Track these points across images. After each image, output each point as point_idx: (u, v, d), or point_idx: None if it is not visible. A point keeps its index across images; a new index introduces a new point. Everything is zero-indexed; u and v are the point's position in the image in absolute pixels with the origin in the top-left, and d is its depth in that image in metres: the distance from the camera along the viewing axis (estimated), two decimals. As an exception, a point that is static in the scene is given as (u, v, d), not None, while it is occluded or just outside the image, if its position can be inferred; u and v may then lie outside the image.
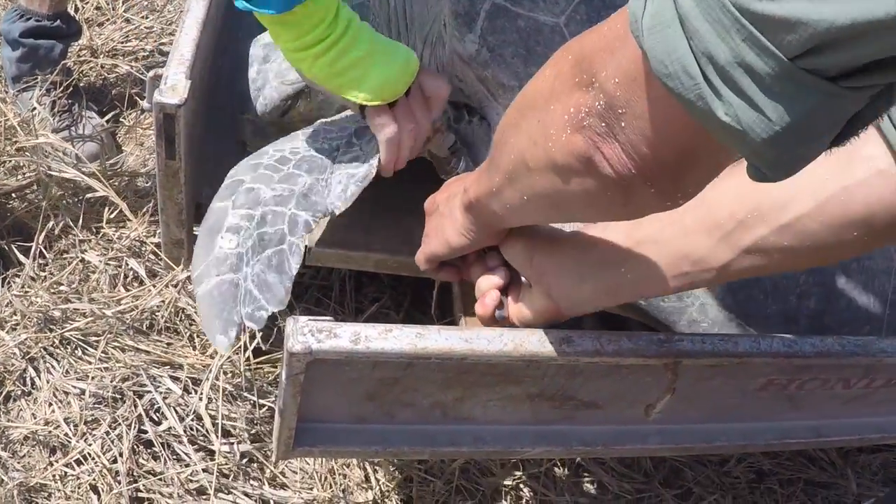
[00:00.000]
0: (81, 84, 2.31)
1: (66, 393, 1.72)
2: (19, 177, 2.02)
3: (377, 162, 1.37)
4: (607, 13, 1.37)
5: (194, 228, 1.63)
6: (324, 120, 1.48)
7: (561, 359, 1.17)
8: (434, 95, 1.40)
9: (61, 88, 2.16)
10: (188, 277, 1.67)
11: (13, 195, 2.00)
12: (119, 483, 1.63)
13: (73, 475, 1.65)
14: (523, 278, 1.22)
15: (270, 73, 1.54)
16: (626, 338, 1.20)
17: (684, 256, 1.06)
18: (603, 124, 0.74)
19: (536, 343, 1.16)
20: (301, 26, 1.27)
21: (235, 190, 1.37)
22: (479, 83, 1.47)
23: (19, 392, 1.74)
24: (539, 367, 1.22)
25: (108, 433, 1.67)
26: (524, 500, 1.83)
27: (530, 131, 0.86)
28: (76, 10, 2.57)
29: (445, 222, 1.18)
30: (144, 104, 1.40)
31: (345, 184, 1.35)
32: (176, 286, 1.71)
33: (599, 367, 1.23)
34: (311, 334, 1.10)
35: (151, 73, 1.37)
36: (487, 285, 1.25)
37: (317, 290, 2.01)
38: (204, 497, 1.65)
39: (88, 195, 2.02)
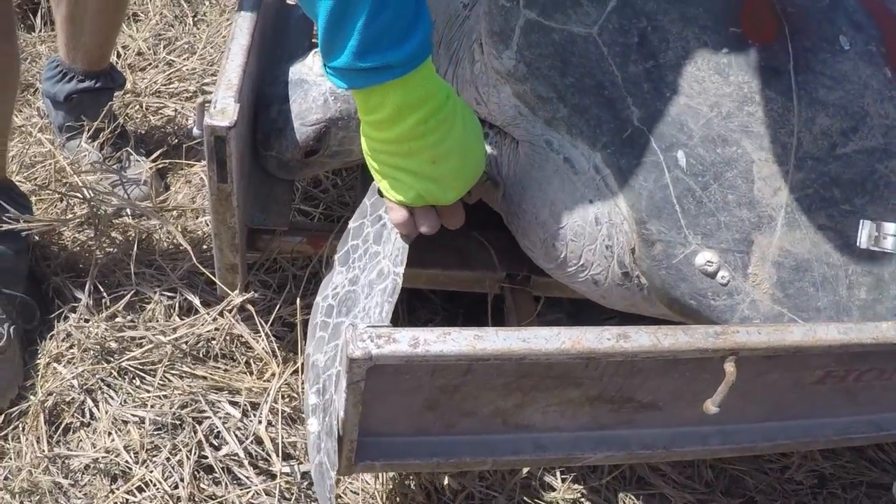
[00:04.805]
0: (128, 126, 2.35)
1: (125, 422, 1.74)
2: (70, 215, 2.05)
3: (401, 270, 1.41)
4: (639, 21, 1.42)
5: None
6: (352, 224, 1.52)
7: (619, 354, 1.18)
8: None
9: (108, 130, 2.20)
10: (242, 303, 1.69)
11: (64, 233, 2.04)
12: (181, 509, 1.65)
13: (134, 502, 1.66)
14: None
15: (291, 112, 1.57)
16: (682, 331, 1.20)
17: None
18: None
19: (594, 340, 1.16)
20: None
21: (307, 364, 1.45)
22: (515, 98, 1.48)
23: (78, 423, 1.76)
24: (597, 366, 1.22)
25: (168, 459, 1.69)
26: (585, 513, 1.82)
27: None
28: (118, 55, 2.63)
29: None
30: (195, 131, 1.42)
31: (381, 304, 1.39)
32: (231, 311, 1.73)
33: (657, 363, 1.24)
34: (370, 340, 1.11)
35: (200, 100, 1.40)
36: None
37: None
38: (266, 520, 1.67)
39: (140, 231, 2.06)
